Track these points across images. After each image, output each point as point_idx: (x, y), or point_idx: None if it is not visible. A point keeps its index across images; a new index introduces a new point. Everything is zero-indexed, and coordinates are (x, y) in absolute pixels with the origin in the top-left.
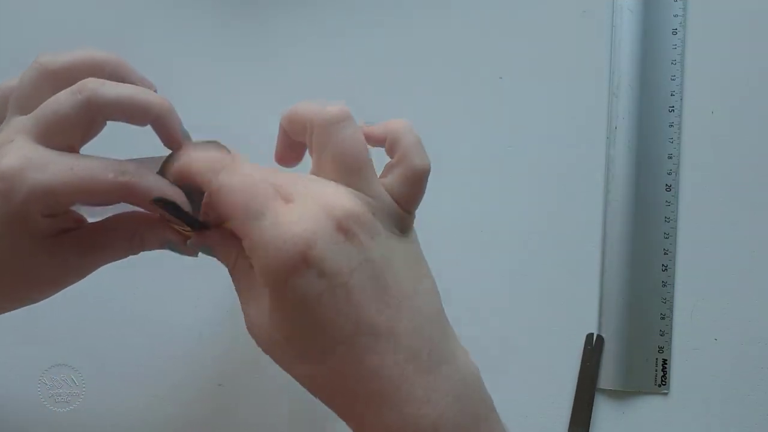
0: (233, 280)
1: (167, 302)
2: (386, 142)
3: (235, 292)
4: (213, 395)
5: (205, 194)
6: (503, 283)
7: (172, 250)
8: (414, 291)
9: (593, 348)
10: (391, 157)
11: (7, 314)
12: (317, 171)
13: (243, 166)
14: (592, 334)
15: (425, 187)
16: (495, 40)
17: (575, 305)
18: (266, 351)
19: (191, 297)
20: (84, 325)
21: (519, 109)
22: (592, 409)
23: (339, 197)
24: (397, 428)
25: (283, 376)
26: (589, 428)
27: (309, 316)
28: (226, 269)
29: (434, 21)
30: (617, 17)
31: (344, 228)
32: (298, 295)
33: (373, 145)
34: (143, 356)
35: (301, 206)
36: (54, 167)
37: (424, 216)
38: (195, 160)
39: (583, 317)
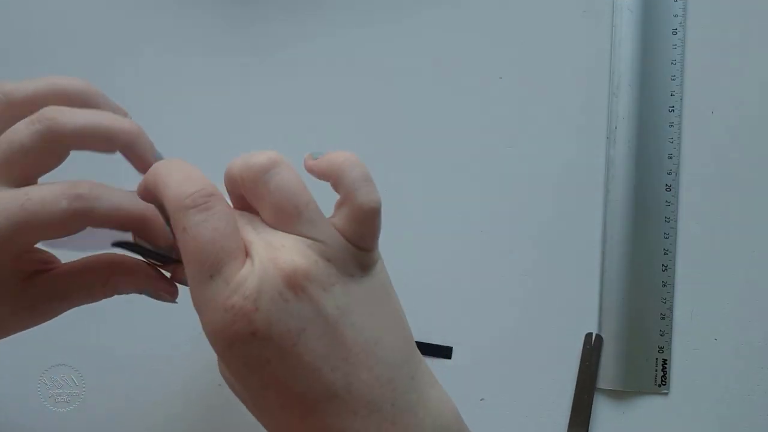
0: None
1: (167, 303)
2: (330, 179)
3: None
4: (213, 395)
5: (175, 232)
6: (503, 283)
7: (150, 296)
8: (375, 340)
9: (592, 347)
10: (338, 193)
11: None
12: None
13: (215, 210)
14: (591, 333)
15: (379, 224)
16: (495, 40)
17: (575, 305)
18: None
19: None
20: (84, 325)
21: (519, 109)
22: (591, 409)
23: (288, 252)
24: None
25: None
26: (588, 428)
27: (259, 380)
28: None
29: (434, 21)
30: (617, 17)
31: (293, 285)
32: (244, 361)
33: (320, 179)
34: (143, 356)
35: (251, 265)
36: (3, 208)
37: (424, 216)
38: (168, 187)
39: (582, 317)
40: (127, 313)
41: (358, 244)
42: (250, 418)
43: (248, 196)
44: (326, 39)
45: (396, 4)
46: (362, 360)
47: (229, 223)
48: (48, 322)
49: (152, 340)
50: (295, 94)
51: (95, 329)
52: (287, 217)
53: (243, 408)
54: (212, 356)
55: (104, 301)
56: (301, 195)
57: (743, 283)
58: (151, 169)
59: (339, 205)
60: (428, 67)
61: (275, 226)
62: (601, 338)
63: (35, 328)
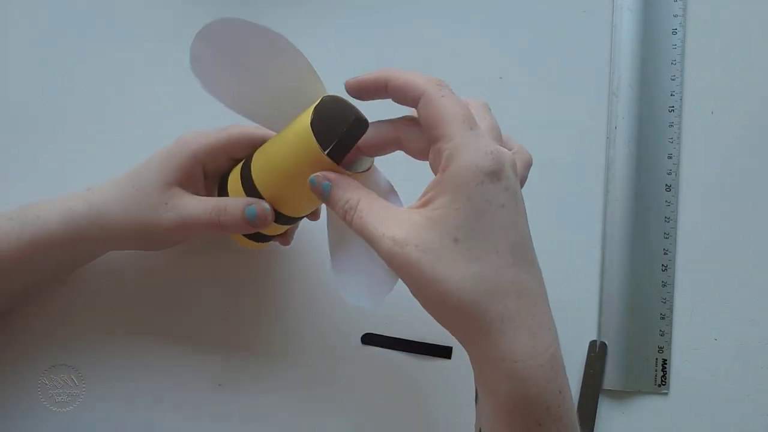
0: (358, 222)
1: (167, 302)
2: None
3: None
4: (213, 395)
5: (422, 100)
6: None
7: (251, 215)
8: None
9: (597, 355)
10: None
11: (7, 314)
12: None
13: (453, 92)
14: (595, 341)
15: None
16: (495, 40)
17: (575, 305)
18: (412, 261)
19: (191, 297)
20: (84, 325)
21: (519, 109)
22: (596, 414)
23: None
24: (533, 344)
25: (282, 377)
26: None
27: (490, 218)
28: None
29: (434, 21)
30: (617, 17)
31: (514, 168)
32: (488, 198)
33: None
34: (143, 356)
35: (490, 138)
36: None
37: None
38: (415, 74)
39: (583, 317)
40: (127, 313)
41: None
42: (251, 418)
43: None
44: (326, 38)
45: (396, 3)
46: (534, 251)
47: (466, 103)
48: (48, 322)
49: (152, 341)
50: None
51: (95, 329)
52: (495, 135)
53: (243, 408)
54: (212, 356)
55: (104, 301)
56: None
57: (743, 283)
58: (384, 72)
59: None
60: (428, 67)
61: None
62: (605, 345)
63: (35, 328)
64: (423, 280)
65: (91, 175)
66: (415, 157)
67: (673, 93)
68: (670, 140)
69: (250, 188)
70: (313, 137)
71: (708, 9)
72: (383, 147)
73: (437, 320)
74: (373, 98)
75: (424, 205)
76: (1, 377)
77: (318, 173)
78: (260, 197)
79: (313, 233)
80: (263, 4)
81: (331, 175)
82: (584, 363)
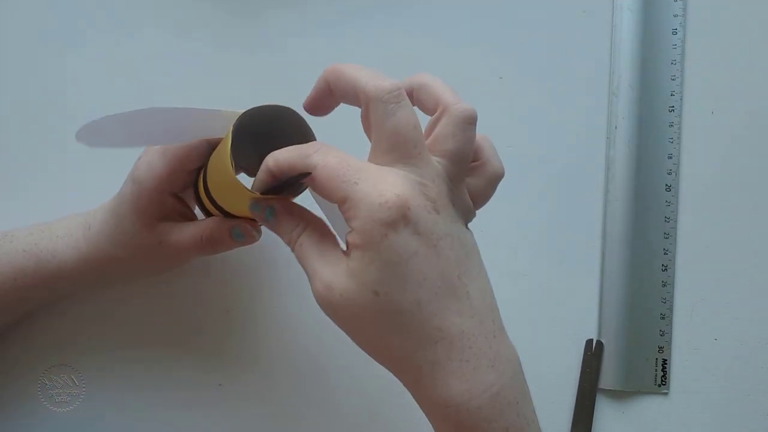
0: (299, 252)
1: (167, 302)
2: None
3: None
4: (213, 395)
5: (306, 175)
6: (503, 283)
7: (237, 237)
8: (480, 270)
9: (593, 354)
10: (474, 159)
11: None
12: (375, 147)
13: (330, 149)
14: (591, 339)
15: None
16: (495, 40)
17: (575, 305)
18: (337, 313)
19: (191, 297)
20: (84, 325)
21: (519, 109)
22: (593, 413)
23: (438, 176)
24: (468, 387)
25: (283, 376)
26: None
27: (404, 269)
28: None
29: (434, 21)
30: (617, 17)
31: (431, 199)
32: (396, 250)
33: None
34: (143, 356)
35: (392, 176)
36: None
37: None
38: (287, 152)
39: (583, 317)
40: (127, 313)
41: (477, 201)
42: (250, 418)
43: (365, 114)
44: (325, 39)
45: (396, 4)
46: (475, 277)
47: (416, 117)
48: (48, 322)
49: (152, 340)
50: (293, 90)
51: (95, 329)
52: (455, 159)
53: (243, 408)
54: (212, 356)
55: (104, 301)
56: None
57: (743, 283)
58: (329, 68)
59: (475, 168)
60: (428, 67)
61: (436, 154)
62: (602, 344)
63: (35, 328)
64: (351, 329)
65: (95, 181)
66: None
67: (673, 93)
68: (670, 140)
69: (215, 204)
70: (239, 184)
71: (708, 9)
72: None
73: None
74: (331, 107)
75: (346, 254)
76: (1, 377)
77: (258, 198)
78: (222, 209)
79: None
80: (263, 3)
81: (272, 202)
82: (588, 370)
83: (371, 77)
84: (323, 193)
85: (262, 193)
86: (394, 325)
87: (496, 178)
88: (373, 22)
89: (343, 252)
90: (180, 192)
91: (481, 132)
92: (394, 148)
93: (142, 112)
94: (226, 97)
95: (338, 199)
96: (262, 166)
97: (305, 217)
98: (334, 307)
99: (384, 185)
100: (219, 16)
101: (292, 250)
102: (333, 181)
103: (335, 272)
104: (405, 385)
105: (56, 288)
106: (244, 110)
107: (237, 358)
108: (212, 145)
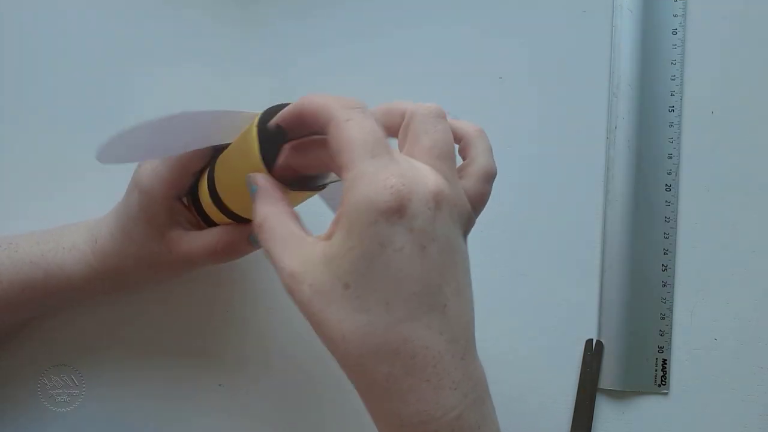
0: (263, 234)
1: (167, 303)
2: (459, 141)
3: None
4: (213, 395)
5: (329, 126)
6: (503, 284)
7: (256, 242)
8: (465, 284)
9: (593, 353)
10: (464, 158)
11: None
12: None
13: (370, 114)
14: (591, 339)
15: (489, 193)
16: (495, 40)
17: (575, 305)
18: (304, 299)
19: (191, 297)
20: (84, 326)
21: (519, 109)
22: (593, 413)
23: (436, 174)
24: (425, 408)
25: (283, 376)
26: None
27: (383, 264)
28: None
29: (434, 21)
30: (617, 17)
31: (437, 200)
32: (380, 240)
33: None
34: (143, 356)
35: (406, 165)
36: None
37: None
38: (329, 98)
39: (583, 317)
40: (127, 313)
41: (474, 204)
42: (250, 418)
43: (405, 129)
44: (326, 41)
45: (395, 4)
46: (457, 292)
47: (380, 127)
48: (47, 322)
49: (152, 340)
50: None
51: (95, 329)
52: (438, 153)
53: (243, 408)
54: (212, 356)
55: (104, 302)
56: (453, 147)
57: (743, 283)
58: (300, 100)
59: (463, 168)
60: (428, 67)
61: (424, 161)
62: (602, 344)
63: (35, 328)
64: (314, 322)
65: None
66: None
67: (673, 93)
68: (670, 140)
69: (227, 213)
70: (256, 147)
71: (708, 9)
72: (314, 165)
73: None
74: (303, 132)
75: (328, 237)
76: (1, 377)
77: (252, 174)
78: (232, 213)
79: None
80: (263, 5)
81: (260, 178)
82: (589, 370)
83: (335, 99)
84: (335, 150)
85: (287, 184)
86: (357, 325)
87: (485, 174)
88: (372, 24)
89: (321, 236)
90: (185, 193)
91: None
92: (367, 145)
93: (174, 118)
94: (226, 103)
95: (345, 165)
96: (293, 104)
97: (274, 204)
98: (301, 302)
99: (396, 168)
100: (221, 21)
101: (260, 239)
102: (353, 144)
103: (306, 263)
104: (360, 395)
105: (63, 299)
106: (262, 111)
107: (237, 358)
108: (204, 151)
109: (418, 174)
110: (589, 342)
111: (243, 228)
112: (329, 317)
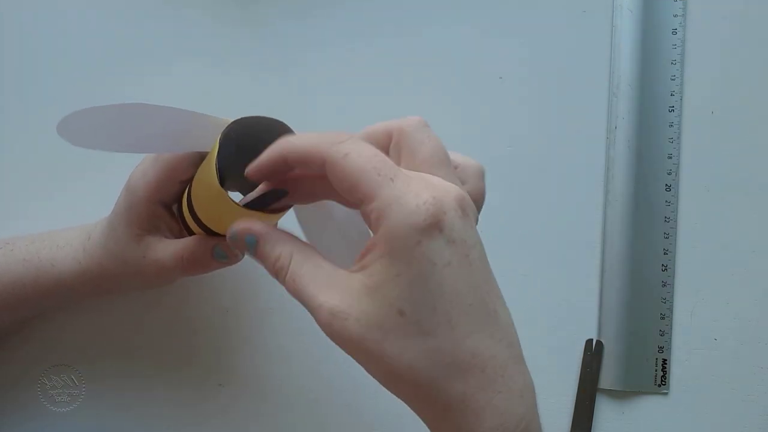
0: (291, 282)
1: (167, 303)
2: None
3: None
4: (213, 395)
5: (326, 169)
6: (503, 284)
7: (219, 257)
8: (496, 283)
9: (593, 353)
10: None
11: None
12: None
13: (362, 141)
14: (591, 339)
15: None
16: (495, 40)
17: (575, 305)
18: (353, 336)
19: (191, 297)
20: (84, 325)
21: (519, 109)
22: (593, 413)
23: (448, 182)
24: (501, 421)
25: (283, 376)
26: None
27: (436, 282)
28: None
29: (434, 21)
30: (617, 17)
31: (462, 206)
32: (430, 259)
33: None
34: (143, 356)
35: (424, 179)
36: None
37: None
38: (313, 137)
39: (583, 317)
40: (126, 313)
41: (478, 203)
42: (250, 418)
43: (397, 146)
44: (324, 40)
45: (395, 4)
46: (499, 294)
47: (376, 150)
48: (47, 322)
49: (152, 341)
50: (290, 94)
51: (95, 329)
52: (442, 162)
53: (243, 408)
54: (212, 356)
55: (104, 301)
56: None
57: (743, 283)
58: (277, 147)
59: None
60: (428, 67)
61: (420, 169)
62: (602, 344)
63: (35, 328)
64: (370, 358)
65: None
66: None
67: (673, 93)
68: (670, 140)
69: (195, 218)
70: (226, 196)
71: (708, 9)
72: (314, 195)
73: (395, 395)
74: (283, 177)
75: (362, 269)
76: (1, 377)
77: (238, 225)
78: (202, 224)
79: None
80: (263, 5)
81: (255, 227)
82: (589, 370)
83: (317, 136)
84: (346, 187)
85: (246, 206)
86: (422, 350)
87: (479, 172)
88: (373, 24)
89: (353, 271)
90: (172, 204)
91: (482, 132)
92: (379, 171)
93: (128, 107)
94: (223, 106)
95: (365, 196)
96: (271, 148)
97: (291, 241)
98: (350, 339)
99: (419, 185)
100: (221, 22)
101: (282, 281)
102: (365, 174)
103: (346, 296)
104: (426, 421)
105: (53, 298)
106: (232, 119)
107: (237, 358)
108: (203, 157)
109: (438, 185)
110: (589, 342)
111: (209, 240)
112: (388, 349)
